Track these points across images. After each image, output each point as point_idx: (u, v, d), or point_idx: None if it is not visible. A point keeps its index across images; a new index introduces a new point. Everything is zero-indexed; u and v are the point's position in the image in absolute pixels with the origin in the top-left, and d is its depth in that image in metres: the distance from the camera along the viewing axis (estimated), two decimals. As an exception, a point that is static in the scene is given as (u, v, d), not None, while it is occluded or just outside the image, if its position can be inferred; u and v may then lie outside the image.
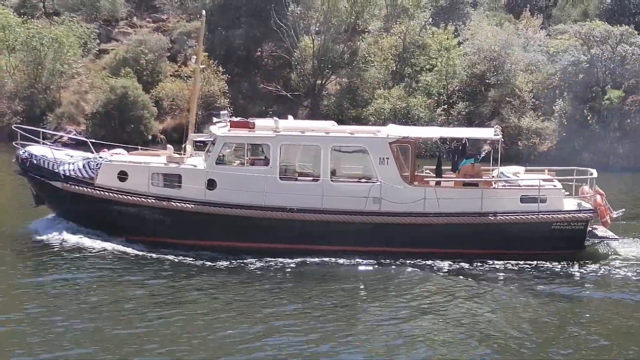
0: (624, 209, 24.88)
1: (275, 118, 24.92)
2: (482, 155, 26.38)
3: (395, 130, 25.04)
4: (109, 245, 23.47)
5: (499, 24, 55.67)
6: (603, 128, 46.84)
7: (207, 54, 49.42)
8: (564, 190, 24.01)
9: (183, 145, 25.90)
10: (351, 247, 23.18)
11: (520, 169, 25.45)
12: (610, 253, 24.43)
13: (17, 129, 25.80)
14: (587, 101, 47.72)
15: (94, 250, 23.15)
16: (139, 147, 28.50)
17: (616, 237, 24.50)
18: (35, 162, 24.88)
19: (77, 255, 22.76)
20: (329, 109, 52.31)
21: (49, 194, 25.17)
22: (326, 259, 22.84)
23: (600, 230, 24.43)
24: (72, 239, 23.94)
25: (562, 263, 23.12)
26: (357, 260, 22.88)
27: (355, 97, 53.32)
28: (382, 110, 50.12)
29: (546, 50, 53.14)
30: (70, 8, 59.55)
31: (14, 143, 26.04)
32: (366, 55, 54.44)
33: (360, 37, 56.25)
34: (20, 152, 25.29)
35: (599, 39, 48.47)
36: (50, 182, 24.52)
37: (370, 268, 22.52)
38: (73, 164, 24.62)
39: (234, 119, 25.69)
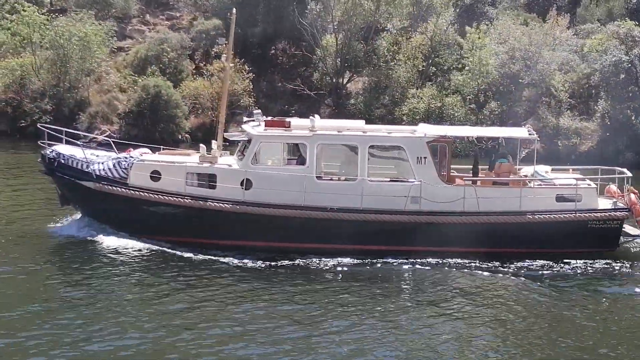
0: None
1: (311, 117, 25.78)
2: (522, 155, 27.55)
3: (431, 129, 26.13)
4: (142, 245, 24.48)
5: (523, 23, 56.77)
6: (648, 128, 48.04)
7: (232, 52, 50.43)
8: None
9: (217, 145, 26.59)
10: (391, 246, 24.31)
11: (547, 168, 26.63)
12: None
13: (43, 128, 26.57)
14: (625, 101, 48.95)
15: (127, 251, 24.14)
16: (161, 146, 29.26)
17: None
18: (63, 161, 25.56)
19: (112, 255, 23.80)
20: (355, 108, 53.32)
21: (78, 194, 25.84)
22: (360, 260, 23.93)
23: (631, 229, 25.84)
24: (103, 240, 24.88)
25: (595, 261, 24.43)
26: (391, 259, 23.99)
27: (380, 97, 54.51)
28: (416, 110, 51.35)
29: (575, 50, 54.29)
30: (80, 5, 60.10)
31: (39, 142, 26.84)
32: (386, 53, 55.50)
33: (382, 36, 57.30)
34: (47, 152, 25.95)
35: (638, 39, 49.67)
36: (81, 182, 25.23)
37: (405, 267, 23.64)
38: (102, 163, 25.29)
39: (267, 118, 26.52)
